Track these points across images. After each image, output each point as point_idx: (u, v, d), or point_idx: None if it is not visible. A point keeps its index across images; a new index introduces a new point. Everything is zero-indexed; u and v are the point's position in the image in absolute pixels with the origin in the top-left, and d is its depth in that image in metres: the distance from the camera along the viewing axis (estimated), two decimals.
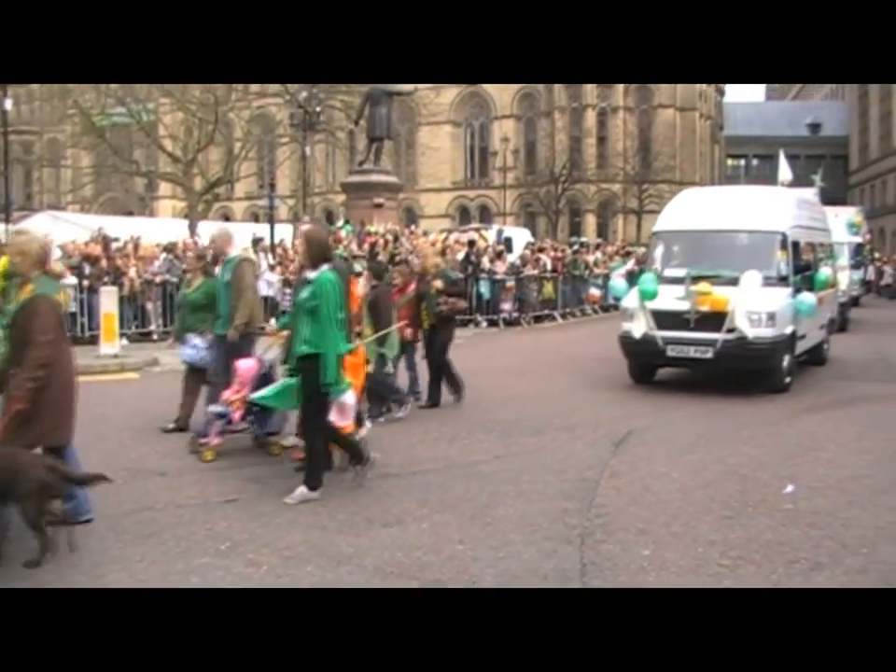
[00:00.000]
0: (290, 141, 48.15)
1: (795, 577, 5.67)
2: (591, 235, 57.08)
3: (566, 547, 6.23)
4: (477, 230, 35.23)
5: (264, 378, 8.96)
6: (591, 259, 31.39)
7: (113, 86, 37.42)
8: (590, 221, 68.81)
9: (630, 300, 13.88)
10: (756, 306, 12.75)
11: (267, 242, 24.97)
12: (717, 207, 14.72)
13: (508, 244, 31.04)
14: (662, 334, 13.07)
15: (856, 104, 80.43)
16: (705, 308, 12.71)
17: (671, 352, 13.09)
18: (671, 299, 12.98)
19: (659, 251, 14.55)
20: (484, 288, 25.11)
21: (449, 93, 69.75)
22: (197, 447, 9.00)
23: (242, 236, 23.93)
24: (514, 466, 8.65)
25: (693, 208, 15.01)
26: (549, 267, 27.79)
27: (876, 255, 50.63)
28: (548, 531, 6.57)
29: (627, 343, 13.62)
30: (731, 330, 12.61)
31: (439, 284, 11.80)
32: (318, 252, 7.57)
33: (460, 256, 25.48)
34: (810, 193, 20.08)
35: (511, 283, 25.47)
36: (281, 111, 51.69)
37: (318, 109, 39.22)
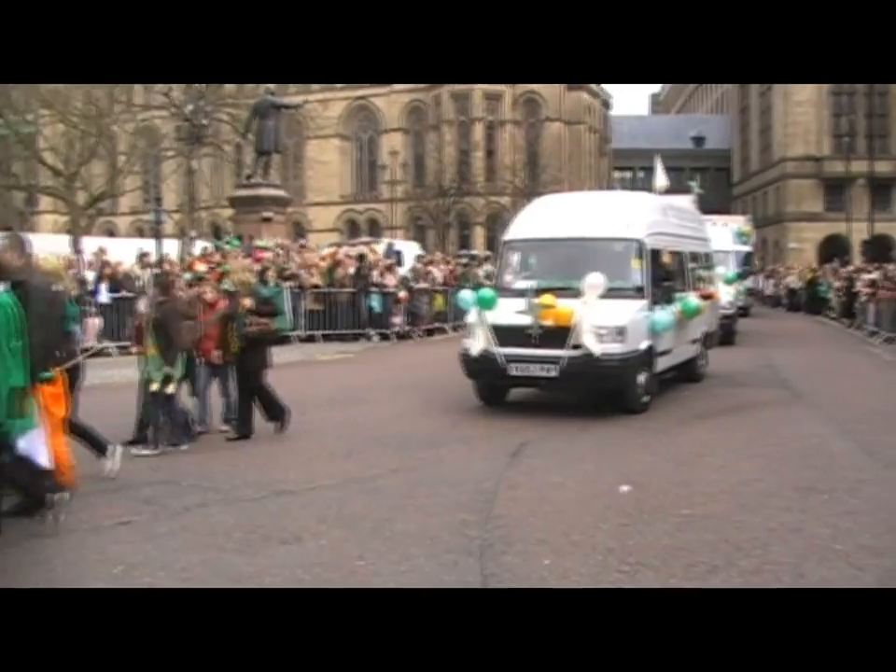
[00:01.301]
0: (176, 154, 47.32)
1: (693, 580, 5.77)
2: (480, 248, 57.48)
3: (466, 559, 6.23)
4: (367, 243, 35.20)
5: None
6: (481, 272, 31.62)
7: None
8: (479, 234, 69.20)
9: (472, 314, 12.85)
10: (603, 320, 11.82)
11: (153, 257, 24.52)
12: (570, 214, 13.88)
13: (398, 257, 31.12)
14: (503, 351, 12.07)
15: (737, 118, 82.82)
16: (548, 322, 11.84)
17: (514, 370, 12.10)
18: (513, 313, 12.10)
19: (508, 262, 13.86)
20: (375, 302, 25.12)
21: (337, 107, 69.64)
22: None
23: (128, 251, 23.57)
24: (412, 479, 8.64)
25: (545, 215, 14.14)
26: (439, 280, 27.92)
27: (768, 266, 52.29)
28: (448, 544, 6.57)
29: (466, 361, 12.68)
30: (576, 346, 11.70)
31: (248, 302, 10.75)
32: None
33: (351, 270, 25.45)
34: (686, 200, 19.85)
35: (403, 294, 25.54)
36: (167, 124, 50.75)
37: (205, 122, 38.69)
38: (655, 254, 13.13)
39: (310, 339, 23.69)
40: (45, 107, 39.33)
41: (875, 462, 9.50)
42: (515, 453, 9.79)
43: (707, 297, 15.76)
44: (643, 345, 12.30)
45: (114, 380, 15.88)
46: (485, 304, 12.47)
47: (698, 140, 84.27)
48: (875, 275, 28.75)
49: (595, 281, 11.88)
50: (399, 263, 29.65)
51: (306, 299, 23.81)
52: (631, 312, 12.22)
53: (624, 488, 8.17)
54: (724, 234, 29.43)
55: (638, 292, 12.63)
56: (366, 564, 6.14)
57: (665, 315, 12.71)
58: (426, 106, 73.89)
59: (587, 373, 11.78)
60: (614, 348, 11.78)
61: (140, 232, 62.64)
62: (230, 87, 44.09)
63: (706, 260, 16.86)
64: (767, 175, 72.34)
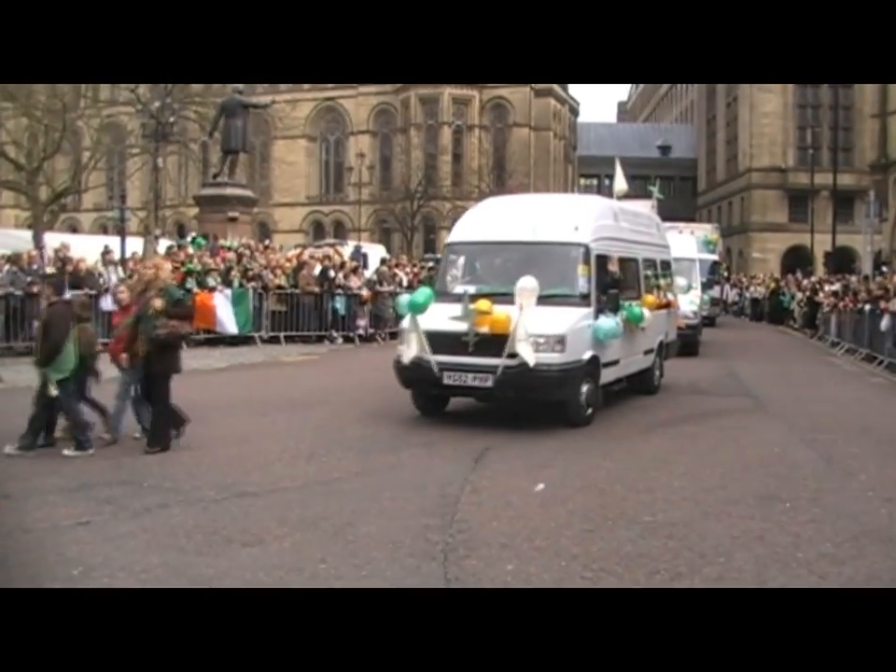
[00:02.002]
0: (142, 152, 46.91)
1: (656, 587, 5.78)
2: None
3: (429, 563, 6.21)
4: (333, 245, 35.09)
5: None
6: None
7: None
8: (445, 238, 68.92)
9: (406, 319, 12.21)
10: (541, 328, 11.18)
11: (117, 255, 24.30)
12: (514, 217, 13.13)
13: (364, 259, 31.04)
14: (437, 359, 11.47)
15: (704, 127, 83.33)
16: (484, 329, 11.23)
17: (448, 379, 11.47)
18: (447, 319, 11.42)
19: (450, 265, 13.33)
20: (340, 304, 25.05)
21: (305, 107, 69.29)
22: None
23: (91, 248, 23.32)
24: (374, 483, 8.60)
25: (490, 218, 13.45)
26: (405, 283, 27.87)
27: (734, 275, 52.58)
28: (411, 548, 6.54)
29: (399, 368, 12.09)
30: (513, 355, 11.08)
31: (158, 304, 9.99)
32: None
33: (316, 271, 25.37)
34: (645, 205, 19.16)
35: (366, 293, 25.51)
36: (132, 120, 50.29)
37: (171, 120, 38.42)
38: (603, 260, 12.69)
39: (273, 340, 23.59)
40: (7, 100, 38.81)
41: (835, 471, 9.60)
42: (479, 457, 9.77)
43: (663, 306, 15.38)
44: (586, 355, 11.78)
45: None
46: (417, 308, 11.82)
47: (664, 149, 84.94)
48: (836, 287, 29.04)
49: (527, 285, 11.26)
50: (364, 266, 29.57)
51: (269, 299, 23.69)
52: (572, 320, 11.68)
53: (539, 486, 8.39)
54: (689, 242, 28.31)
55: (584, 300, 12.09)
56: (328, 567, 6.10)
57: (608, 322, 12.13)
58: (394, 109, 73.85)
59: (523, 384, 11.20)
60: (552, 358, 11.21)
61: (104, 230, 61.96)
62: (197, 85, 43.84)
63: (664, 268, 16.21)
64: (733, 185, 72.87)
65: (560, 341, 11.29)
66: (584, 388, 11.75)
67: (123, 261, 23.42)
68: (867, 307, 22.37)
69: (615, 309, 12.53)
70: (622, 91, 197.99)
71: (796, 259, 58.98)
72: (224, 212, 30.87)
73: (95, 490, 8.16)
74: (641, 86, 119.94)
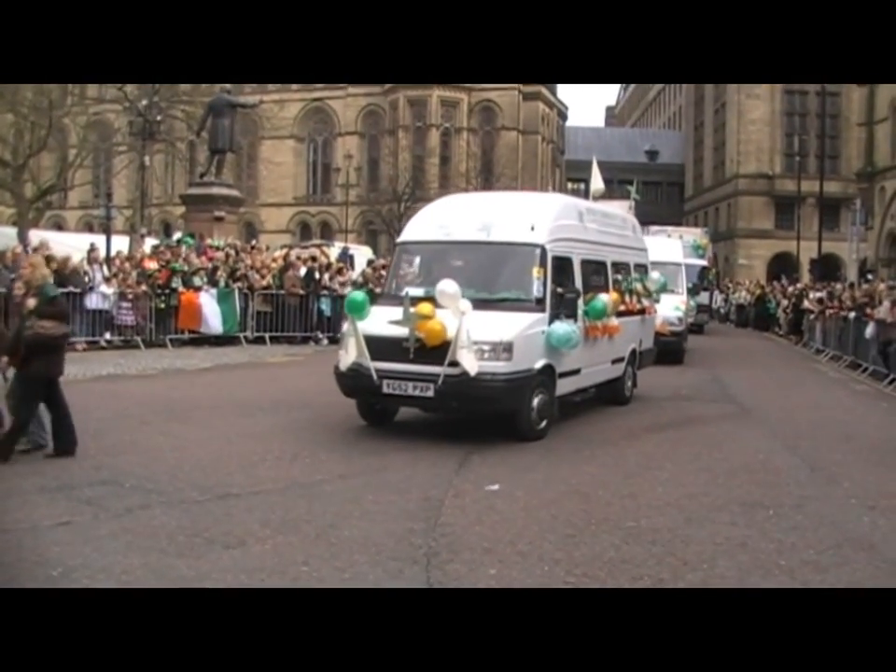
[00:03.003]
0: (128, 150, 46.78)
1: (638, 588, 5.77)
2: None
3: (412, 567, 6.19)
4: (319, 246, 35.04)
5: None
6: None
7: None
8: None
9: (346, 322, 11.48)
10: (485, 334, 10.44)
11: (102, 253, 24.20)
12: (469, 216, 12.27)
13: (350, 261, 31.01)
14: (376, 366, 10.70)
15: (691, 134, 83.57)
16: (424, 335, 10.51)
17: (387, 388, 10.70)
18: (388, 323, 10.71)
19: (400, 266, 12.60)
20: (325, 305, 25.00)
21: (293, 108, 69.25)
22: None
23: (77, 246, 23.21)
24: (358, 485, 8.57)
25: (444, 216, 12.60)
26: None
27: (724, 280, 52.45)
28: (393, 551, 6.52)
29: (338, 375, 11.39)
30: (455, 363, 10.32)
31: (31, 303, 9.39)
32: None
33: (302, 272, 25.32)
34: (621, 206, 18.36)
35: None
36: (119, 118, 50.13)
37: (159, 118, 38.33)
38: (562, 262, 11.95)
39: (258, 341, 23.55)
40: None
41: (819, 478, 9.62)
42: (463, 461, 9.74)
43: (636, 311, 14.82)
44: (538, 364, 10.99)
45: None
46: (355, 310, 11.18)
47: (652, 154, 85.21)
48: (822, 294, 29.13)
49: (447, 289, 10.55)
50: (351, 267, 29.53)
51: (255, 300, 23.64)
52: (522, 325, 10.87)
53: (493, 487, 8.49)
54: (675, 246, 27.01)
55: (539, 304, 11.30)
56: (310, 570, 6.07)
57: (562, 328, 11.20)
58: (382, 111, 73.82)
59: (466, 395, 10.41)
60: (498, 367, 10.45)
61: (89, 227, 61.67)
62: (185, 84, 43.75)
63: (639, 272, 15.47)
64: (719, 192, 73.07)
65: (507, 348, 10.52)
66: (536, 400, 10.99)
67: (109, 260, 23.34)
68: (852, 315, 22.44)
69: (572, 315, 11.70)
70: (610, 96, 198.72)
71: (782, 266, 59.23)
72: (210, 211, 30.80)
73: (76, 490, 8.10)
74: (630, 91, 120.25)
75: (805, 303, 30.44)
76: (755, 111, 66.98)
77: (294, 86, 71.84)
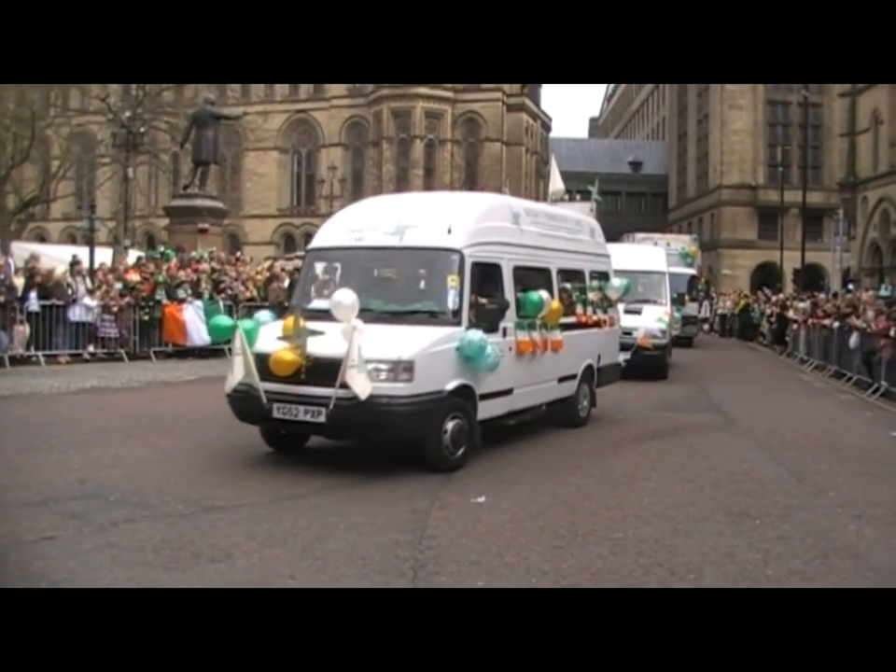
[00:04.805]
0: (112, 161, 46.72)
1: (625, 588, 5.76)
2: None
3: (398, 579, 6.16)
4: (302, 257, 34.96)
5: None
6: None
7: None
8: None
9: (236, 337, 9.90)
10: (382, 352, 9.22)
11: (86, 265, 24.11)
12: (384, 219, 10.97)
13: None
14: (266, 386, 9.52)
15: (675, 145, 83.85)
16: (319, 353, 9.26)
17: (277, 412, 9.50)
18: (276, 339, 9.54)
19: (309, 274, 11.48)
20: None
21: (276, 119, 69.31)
22: None
23: (59, 258, 23.11)
24: (343, 498, 8.54)
25: (358, 220, 11.30)
26: None
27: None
28: (380, 564, 6.49)
29: (228, 397, 10.22)
30: (346, 385, 9.07)
31: None
32: None
33: (286, 283, 25.27)
34: (584, 208, 17.10)
35: None
36: (103, 130, 50.01)
37: (142, 130, 38.25)
38: (486, 269, 10.70)
39: None
40: None
41: (804, 488, 9.64)
42: (448, 473, 9.70)
43: (593, 324, 13.65)
44: (451, 385, 9.71)
45: (41, 389, 15.57)
46: (245, 324, 10.09)
47: (635, 165, 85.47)
48: (806, 304, 29.25)
49: (343, 300, 9.34)
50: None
51: (239, 312, 23.57)
52: (427, 341, 9.57)
53: (480, 499, 8.47)
54: (657, 254, 25.08)
55: (455, 317, 10.07)
56: (296, 583, 6.03)
57: (474, 339, 9.81)
58: (366, 122, 73.84)
59: (361, 421, 9.16)
60: (397, 389, 9.18)
61: (72, 239, 61.53)
62: (168, 95, 43.74)
63: (599, 280, 14.23)
64: (703, 202, 73.28)
65: (407, 367, 9.22)
66: (450, 426, 9.72)
67: (92, 272, 23.26)
68: (836, 324, 22.54)
69: (493, 329, 10.38)
70: (594, 107, 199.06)
71: (766, 276, 59.37)
72: (194, 223, 30.76)
73: (60, 504, 8.03)
74: (613, 102, 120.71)
75: (790, 313, 30.56)
76: (738, 122, 67.23)
77: (278, 97, 72.04)
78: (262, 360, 9.51)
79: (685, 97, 79.28)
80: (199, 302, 22.73)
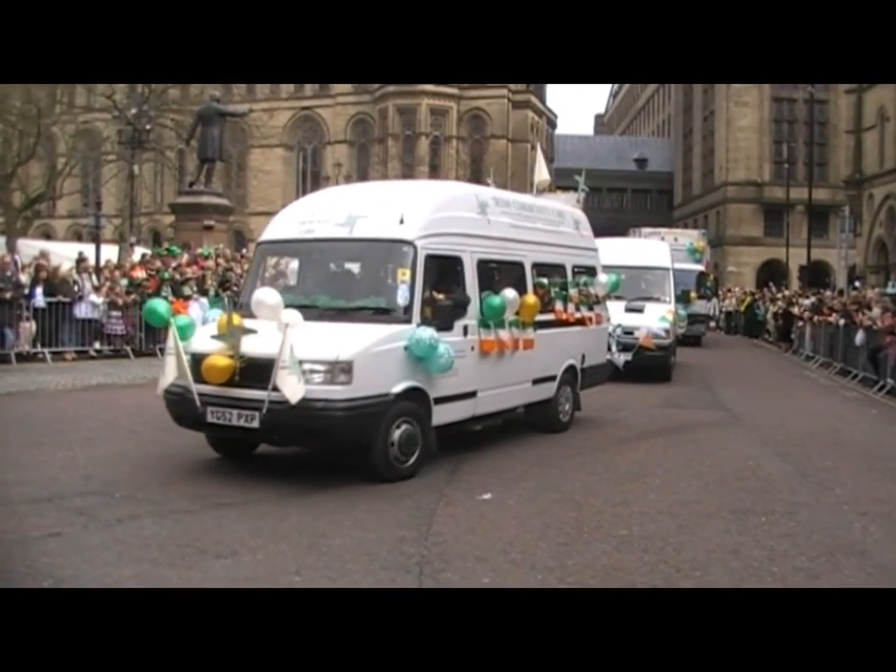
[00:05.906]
0: (117, 159, 46.80)
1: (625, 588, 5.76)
2: None
3: (404, 576, 6.16)
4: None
5: None
6: None
7: None
8: None
9: (170, 335, 9.31)
10: (317, 352, 8.53)
11: (92, 262, 24.14)
12: (336, 209, 10.26)
13: None
14: (199, 388, 8.83)
15: (680, 142, 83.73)
16: (254, 353, 8.62)
17: (211, 416, 8.81)
18: (210, 338, 8.97)
19: (258, 270, 10.74)
20: None
21: (282, 116, 69.25)
22: None
23: (65, 255, 23.14)
24: (349, 494, 8.52)
25: (310, 211, 10.70)
26: None
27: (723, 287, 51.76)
28: (386, 560, 6.49)
29: (164, 398, 9.52)
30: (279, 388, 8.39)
31: None
32: None
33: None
34: (570, 199, 16.68)
35: None
36: (108, 127, 50.20)
37: (148, 127, 38.28)
38: (444, 262, 10.03)
39: None
40: None
41: (810, 485, 9.62)
42: (454, 469, 9.72)
43: (574, 322, 12.77)
44: (398, 387, 8.96)
45: (47, 386, 15.59)
46: (180, 331, 9.31)
47: (641, 162, 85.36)
48: (811, 301, 29.22)
49: (265, 298, 8.83)
50: None
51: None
52: (369, 340, 8.84)
53: (486, 496, 8.47)
54: (661, 249, 23.45)
55: (405, 313, 9.35)
56: (302, 580, 6.03)
57: (423, 338, 9.06)
58: (371, 119, 73.82)
59: (296, 427, 8.50)
60: (335, 392, 8.46)
61: (78, 237, 61.55)
62: (174, 92, 43.74)
63: (585, 275, 13.43)
64: (708, 199, 73.20)
65: (345, 369, 8.49)
66: (398, 432, 9.02)
67: (98, 269, 23.28)
68: (841, 322, 22.51)
69: (448, 327, 9.67)
70: (599, 104, 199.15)
71: (771, 273, 59.33)
72: (200, 220, 30.78)
73: (66, 501, 8.05)
74: (618, 99, 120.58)
75: (795, 310, 30.51)
76: (744, 119, 67.14)
77: (283, 94, 72.01)
78: (197, 361, 8.89)
79: (691, 94, 79.19)
80: (204, 300, 22.71)
